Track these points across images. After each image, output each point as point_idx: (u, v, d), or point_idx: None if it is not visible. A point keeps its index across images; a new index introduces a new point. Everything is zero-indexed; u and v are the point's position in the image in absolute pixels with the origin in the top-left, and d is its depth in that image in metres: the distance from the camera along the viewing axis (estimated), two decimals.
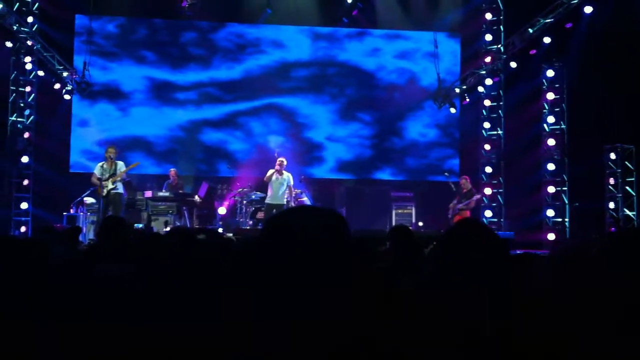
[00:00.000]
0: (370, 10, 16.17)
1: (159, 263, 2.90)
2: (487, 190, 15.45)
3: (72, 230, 6.97)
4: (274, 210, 12.70)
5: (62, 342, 1.82)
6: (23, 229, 14.46)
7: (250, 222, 13.89)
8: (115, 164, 12.03)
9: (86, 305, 2.20)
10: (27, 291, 2.27)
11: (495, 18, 15.76)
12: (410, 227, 12.56)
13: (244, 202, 14.22)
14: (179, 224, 13.01)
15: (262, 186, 13.93)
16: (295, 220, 1.71)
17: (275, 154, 13.42)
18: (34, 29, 14.67)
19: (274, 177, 12.91)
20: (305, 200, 14.14)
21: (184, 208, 13.46)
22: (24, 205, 14.71)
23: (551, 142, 14.88)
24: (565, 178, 14.76)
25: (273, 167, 12.98)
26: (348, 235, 1.71)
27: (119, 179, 11.98)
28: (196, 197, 13.85)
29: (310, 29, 16.39)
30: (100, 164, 12.14)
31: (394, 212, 14.63)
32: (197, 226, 13.00)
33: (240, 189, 14.20)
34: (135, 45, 16.00)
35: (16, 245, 2.78)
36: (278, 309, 1.61)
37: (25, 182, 14.77)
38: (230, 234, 10.37)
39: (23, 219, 14.70)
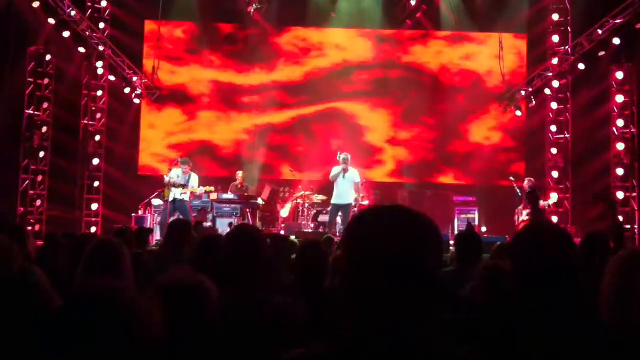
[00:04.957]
0: (434, 12, 16.05)
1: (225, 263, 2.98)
2: (554, 195, 15.11)
3: (142, 231, 7.14)
4: (340, 212, 12.49)
5: None
6: (93, 229, 14.91)
7: (312, 225, 13.96)
8: (190, 175, 12.48)
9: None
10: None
11: (562, 19, 15.42)
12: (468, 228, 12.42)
13: (306, 205, 14.32)
14: None
15: (324, 189, 13.99)
16: (387, 221, 1.54)
17: (338, 155, 13.15)
18: (105, 35, 15.13)
19: (340, 176, 12.27)
20: (367, 204, 14.11)
21: (248, 210, 13.66)
22: (95, 207, 15.19)
23: (620, 146, 14.46)
24: (635, 183, 14.33)
25: (335, 167, 12.51)
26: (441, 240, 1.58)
27: (188, 192, 12.41)
28: (259, 200, 14.05)
29: (373, 32, 16.39)
30: (176, 171, 12.54)
31: (456, 217, 14.45)
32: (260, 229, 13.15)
33: (302, 192, 14.30)
34: (202, 49, 16.30)
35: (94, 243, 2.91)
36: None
37: (96, 184, 15.25)
38: (293, 237, 10.46)
39: (93, 219, 15.18)
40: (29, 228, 12.95)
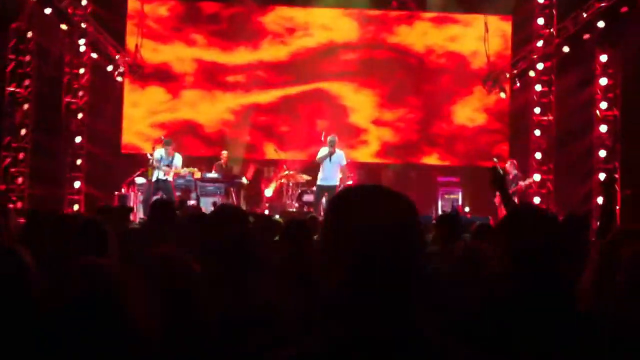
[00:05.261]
0: None
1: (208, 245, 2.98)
2: (537, 177, 15.22)
3: (122, 210, 7.12)
4: (326, 193, 12.41)
5: None
6: (76, 207, 14.82)
7: (296, 205, 13.98)
8: (174, 156, 12.60)
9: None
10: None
11: (547, 2, 15.42)
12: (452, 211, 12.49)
13: (290, 184, 14.33)
14: None
15: (309, 169, 14.02)
16: (369, 201, 1.53)
17: (322, 137, 13.27)
18: (87, 12, 14.93)
19: (326, 157, 12.40)
20: (351, 184, 14.13)
21: (232, 189, 13.67)
22: (77, 184, 15.08)
23: (603, 128, 14.59)
24: (617, 165, 14.45)
25: (322, 148, 12.69)
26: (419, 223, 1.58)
27: (172, 173, 12.44)
28: (244, 179, 14.05)
29: (359, 12, 16.31)
30: (160, 151, 12.58)
31: (440, 197, 14.50)
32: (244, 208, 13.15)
33: (287, 172, 14.29)
34: (186, 28, 16.16)
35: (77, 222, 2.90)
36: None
37: (79, 161, 15.12)
38: (277, 216, 10.48)
39: (76, 197, 15.08)
40: (11, 205, 12.85)
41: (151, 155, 12.68)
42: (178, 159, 12.64)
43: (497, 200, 13.26)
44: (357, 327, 1.45)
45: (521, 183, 13.51)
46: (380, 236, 1.46)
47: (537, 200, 15.25)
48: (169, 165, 12.51)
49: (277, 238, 4.86)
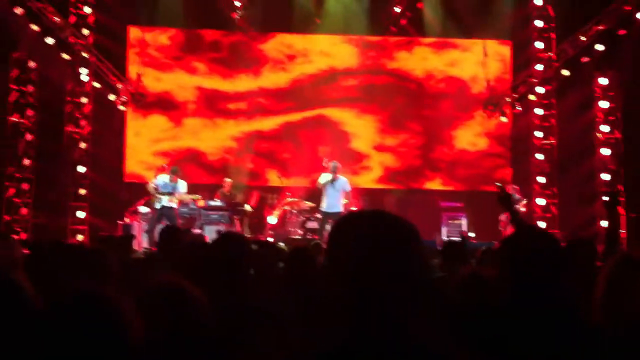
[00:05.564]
0: (418, 18, 16.12)
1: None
2: (540, 201, 15.18)
3: (124, 239, 7.11)
4: (329, 220, 12.28)
5: None
6: (80, 237, 14.77)
7: (300, 232, 13.93)
8: (177, 183, 12.61)
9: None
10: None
11: (546, 25, 15.53)
12: (459, 238, 12.44)
13: (294, 211, 14.29)
14: None
15: (312, 196, 13.99)
16: (372, 226, 1.56)
17: (324, 163, 13.24)
18: (89, 42, 15.04)
19: (329, 184, 12.39)
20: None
21: (236, 217, 13.64)
22: (81, 214, 15.03)
23: (605, 151, 14.57)
24: (622, 189, 14.40)
25: (324, 174, 12.66)
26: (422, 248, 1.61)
27: (176, 200, 12.43)
28: (247, 207, 14.02)
29: (359, 38, 16.42)
30: (163, 177, 12.62)
31: (445, 223, 14.43)
32: (248, 236, 13.10)
33: (290, 199, 14.27)
34: (187, 56, 16.27)
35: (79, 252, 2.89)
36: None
37: (82, 191, 15.09)
38: (282, 244, 10.43)
39: (79, 227, 15.03)
40: (15, 236, 12.83)
41: (153, 181, 12.68)
42: (182, 186, 12.63)
43: (502, 224, 13.24)
44: (358, 329, 1.48)
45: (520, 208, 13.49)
46: (384, 256, 1.50)
47: (542, 225, 15.18)
48: (172, 193, 12.48)
49: (281, 265, 4.85)
